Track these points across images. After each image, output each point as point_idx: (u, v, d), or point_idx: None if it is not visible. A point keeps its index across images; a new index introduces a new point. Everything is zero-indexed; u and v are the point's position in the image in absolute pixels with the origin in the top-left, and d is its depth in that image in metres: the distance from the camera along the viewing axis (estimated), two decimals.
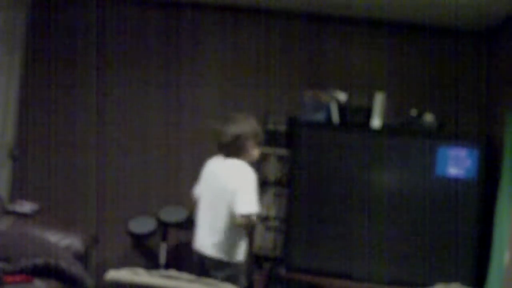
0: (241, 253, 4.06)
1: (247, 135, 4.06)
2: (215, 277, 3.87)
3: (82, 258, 4.60)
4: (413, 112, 5.25)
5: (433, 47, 5.62)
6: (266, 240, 5.41)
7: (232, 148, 4.05)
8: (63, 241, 4.61)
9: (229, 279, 3.87)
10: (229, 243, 3.98)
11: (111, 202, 5.59)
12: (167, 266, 5.15)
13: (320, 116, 5.20)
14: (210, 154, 5.60)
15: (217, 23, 5.73)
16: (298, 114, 5.32)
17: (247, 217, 3.87)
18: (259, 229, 5.41)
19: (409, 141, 5.06)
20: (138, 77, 5.71)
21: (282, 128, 5.45)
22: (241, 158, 4.07)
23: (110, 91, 5.70)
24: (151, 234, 5.26)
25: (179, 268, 4.95)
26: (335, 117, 5.20)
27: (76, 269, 4.28)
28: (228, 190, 3.95)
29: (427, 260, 4.89)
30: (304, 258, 5.05)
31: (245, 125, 4.08)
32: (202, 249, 4.03)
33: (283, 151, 5.42)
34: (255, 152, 4.13)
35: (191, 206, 4.38)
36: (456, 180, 4.95)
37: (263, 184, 5.41)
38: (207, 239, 4.03)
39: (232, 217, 3.92)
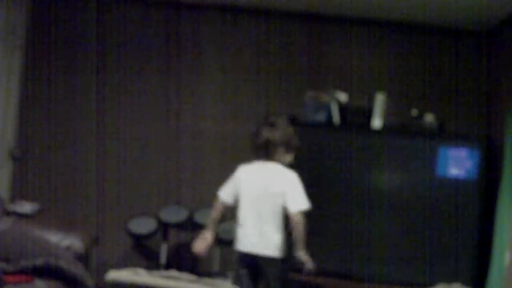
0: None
1: (277, 142, 4.14)
2: (270, 274, 4.06)
3: (83, 258, 4.59)
4: (414, 112, 5.25)
5: (434, 47, 5.62)
6: None
7: (263, 152, 4.17)
8: (63, 241, 4.60)
9: (283, 273, 4.11)
10: (279, 241, 4.12)
11: (112, 202, 5.59)
12: (168, 266, 5.15)
13: (320, 117, 5.20)
14: (210, 154, 5.63)
15: (218, 23, 5.73)
16: (299, 114, 5.32)
17: (302, 213, 4.05)
18: None
19: (409, 142, 5.07)
20: (138, 77, 5.71)
21: None
22: (273, 162, 4.18)
23: (110, 91, 5.70)
24: (151, 234, 5.25)
25: (180, 268, 4.97)
26: (336, 117, 5.20)
27: (76, 269, 4.27)
28: (276, 193, 4.11)
29: (427, 260, 4.89)
30: None
31: (277, 131, 4.15)
32: (255, 249, 4.11)
33: None
34: (286, 158, 4.20)
35: (218, 210, 4.28)
36: (456, 180, 4.95)
37: None
38: (261, 239, 4.11)
39: (279, 216, 4.10)
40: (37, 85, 5.67)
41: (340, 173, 5.06)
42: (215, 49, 5.73)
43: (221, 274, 5.14)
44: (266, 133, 4.16)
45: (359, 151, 5.06)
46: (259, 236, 4.12)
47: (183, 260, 5.48)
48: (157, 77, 5.72)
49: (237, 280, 4.14)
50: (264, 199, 4.14)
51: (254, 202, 4.16)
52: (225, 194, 4.23)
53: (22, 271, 4.07)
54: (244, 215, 4.18)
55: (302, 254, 4.05)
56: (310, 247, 4.98)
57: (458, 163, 4.94)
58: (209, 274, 5.08)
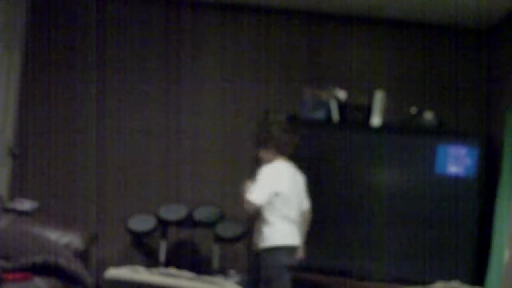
0: None
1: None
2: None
3: (82, 256, 4.59)
4: (413, 110, 5.25)
5: (433, 45, 5.62)
6: None
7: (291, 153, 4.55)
8: (62, 239, 4.61)
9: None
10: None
11: (111, 200, 5.59)
12: (167, 264, 5.15)
13: (319, 114, 5.20)
14: (209, 152, 5.63)
15: (217, 21, 5.73)
16: (298, 112, 5.32)
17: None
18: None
19: (409, 139, 5.07)
20: (138, 75, 5.71)
21: None
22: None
23: (110, 90, 5.69)
24: (150, 232, 5.25)
25: (179, 266, 4.97)
26: (335, 115, 5.20)
27: (75, 267, 4.27)
28: (303, 189, 4.59)
29: (427, 258, 4.89)
30: (304, 256, 5.05)
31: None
32: (295, 242, 4.45)
33: None
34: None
35: (250, 211, 4.40)
36: (456, 178, 4.95)
37: None
38: (297, 233, 4.48)
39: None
40: (36, 83, 5.67)
41: (339, 171, 5.06)
42: (214, 47, 5.73)
43: (221, 272, 5.14)
44: (295, 136, 4.58)
45: (358, 149, 5.06)
46: (297, 229, 4.53)
47: (183, 258, 5.49)
48: (157, 76, 5.72)
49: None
50: (300, 196, 4.63)
51: (296, 199, 4.55)
52: (265, 196, 4.42)
53: (21, 269, 4.07)
54: (288, 211, 4.46)
55: None
56: (310, 245, 5.01)
57: (457, 161, 4.94)
58: (209, 272, 5.08)
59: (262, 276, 4.37)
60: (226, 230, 5.11)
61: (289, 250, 4.39)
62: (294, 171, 4.56)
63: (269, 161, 4.47)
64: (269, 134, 4.48)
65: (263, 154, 4.50)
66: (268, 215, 4.38)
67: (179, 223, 5.28)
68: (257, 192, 4.30)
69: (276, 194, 4.35)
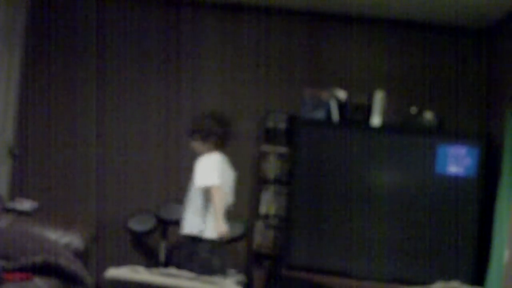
0: None
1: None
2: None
3: (82, 255, 4.59)
4: (413, 110, 5.26)
5: (433, 45, 5.62)
6: (266, 238, 5.40)
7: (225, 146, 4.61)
8: (62, 239, 4.61)
9: None
10: None
11: (111, 199, 5.59)
12: (167, 264, 5.15)
13: (320, 114, 5.20)
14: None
15: (217, 21, 5.73)
16: (298, 112, 5.32)
17: None
18: (259, 227, 5.41)
19: (409, 139, 5.07)
20: (138, 75, 5.71)
21: (282, 126, 5.45)
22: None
23: (110, 90, 5.70)
24: (150, 232, 5.26)
25: (179, 265, 4.97)
26: (335, 115, 5.20)
27: (75, 266, 4.27)
28: (231, 184, 4.64)
29: (427, 258, 4.89)
30: (304, 256, 5.05)
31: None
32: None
33: (283, 149, 5.42)
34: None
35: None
36: (456, 178, 4.95)
37: (263, 182, 5.41)
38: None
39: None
40: (36, 82, 5.67)
41: (339, 171, 5.06)
42: (215, 47, 5.73)
43: (221, 272, 5.13)
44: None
45: (358, 149, 5.06)
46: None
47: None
48: (157, 75, 5.72)
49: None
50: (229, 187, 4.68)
51: (226, 190, 4.60)
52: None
53: (21, 269, 4.07)
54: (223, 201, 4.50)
55: None
56: (310, 245, 5.01)
57: (457, 161, 4.94)
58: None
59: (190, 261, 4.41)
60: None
61: (213, 243, 4.45)
62: (227, 164, 4.62)
63: (204, 153, 4.53)
64: (206, 127, 4.53)
65: (199, 146, 4.57)
66: (203, 204, 4.45)
67: (179, 223, 5.27)
68: (207, 176, 4.39)
69: None
